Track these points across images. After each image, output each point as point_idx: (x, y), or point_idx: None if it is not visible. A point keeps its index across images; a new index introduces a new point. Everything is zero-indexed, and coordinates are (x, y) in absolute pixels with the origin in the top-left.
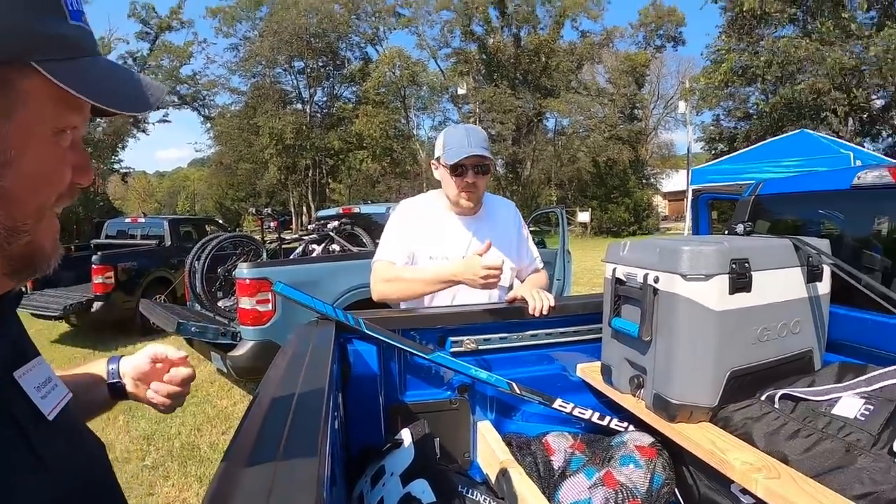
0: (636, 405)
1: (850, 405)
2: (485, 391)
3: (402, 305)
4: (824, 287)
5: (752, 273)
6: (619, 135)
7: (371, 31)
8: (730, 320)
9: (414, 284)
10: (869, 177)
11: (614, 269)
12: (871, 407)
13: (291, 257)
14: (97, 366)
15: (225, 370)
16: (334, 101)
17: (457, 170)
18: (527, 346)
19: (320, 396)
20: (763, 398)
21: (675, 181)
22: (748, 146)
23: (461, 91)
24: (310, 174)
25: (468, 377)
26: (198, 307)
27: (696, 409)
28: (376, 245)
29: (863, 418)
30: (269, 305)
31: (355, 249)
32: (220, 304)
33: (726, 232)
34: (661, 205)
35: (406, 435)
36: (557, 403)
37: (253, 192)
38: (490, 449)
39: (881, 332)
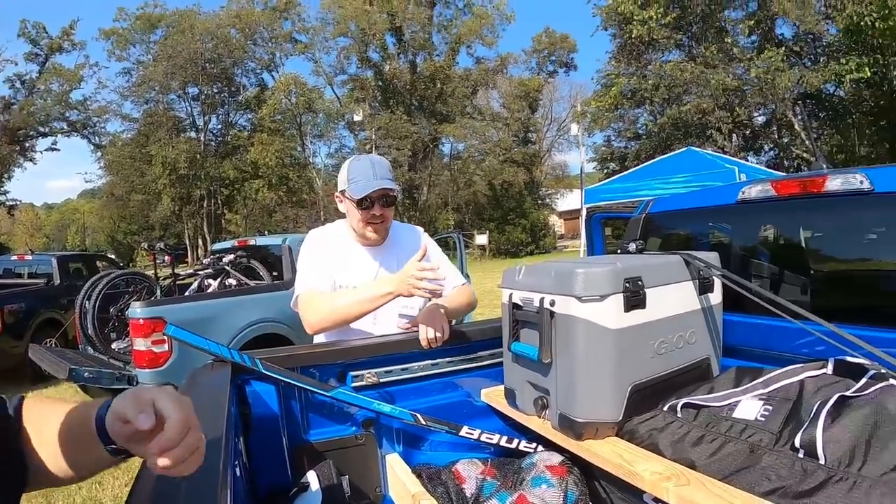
0: (542, 426)
1: (749, 407)
2: (390, 424)
3: (324, 336)
4: (716, 297)
5: (646, 290)
6: (514, 158)
7: (267, 56)
8: (627, 337)
9: (352, 307)
10: (753, 191)
11: (511, 294)
12: (770, 407)
13: (187, 294)
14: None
15: None
16: (229, 129)
17: (363, 203)
18: (429, 376)
19: (218, 444)
20: (665, 408)
21: (570, 200)
22: (638, 164)
23: (357, 118)
24: (205, 205)
25: (372, 412)
26: (91, 350)
27: (601, 425)
28: (273, 278)
29: (763, 419)
30: (166, 346)
31: (252, 283)
32: (114, 346)
33: (619, 251)
34: (558, 224)
35: (312, 478)
36: (464, 431)
37: (146, 225)
38: (401, 482)
39: (771, 335)
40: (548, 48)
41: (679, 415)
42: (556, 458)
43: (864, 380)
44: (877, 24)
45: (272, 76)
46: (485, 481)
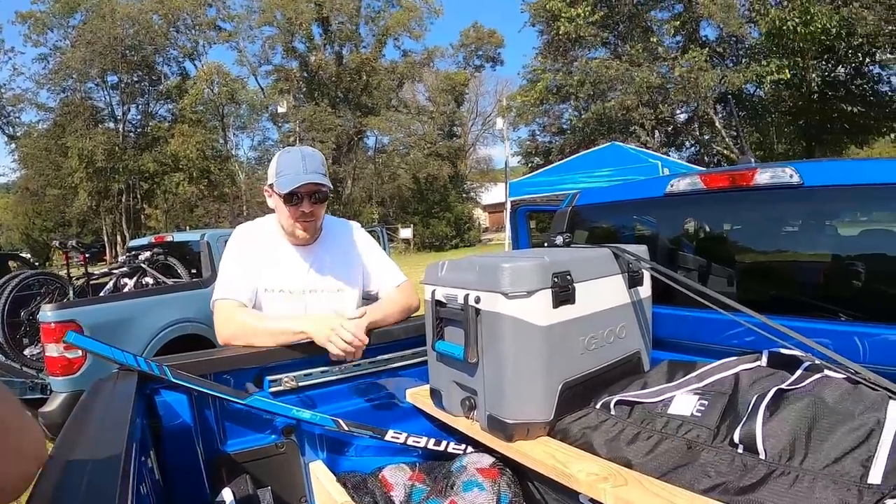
0: (471, 427)
1: (684, 403)
2: (312, 430)
3: None
4: (645, 290)
5: (575, 284)
6: (439, 151)
7: (190, 44)
8: (556, 333)
9: (259, 336)
10: (682, 184)
11: (433, 291)
12: (706, 402)
13: (101, 294)
14: None
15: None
16: (149, 120)
17: (292, 199)
18: (351, 378)
19: (116, 463)
20: (598, 406)
21: (495, 194)
22: (562, 159)
23: (281, 109)
24: (123, 199)
25: (291, 419)
26: (2, 358)
27: (532, 425)
28: (192, 276)
29: (699, 414)
30: (80, 351)
31: (170, 281)
32: (26, 352)
33: (546, 244)
34: (482, 217)
35: (227, 495)
36: (390, 435)
37: (63, 221)
38: (326, 492)
39: (701, 327)
40: (475, 43)
41: (613, 412)
42: (487, 460)
43: (799, 371)
44: (798, 29)
45: (195, 65)
46: (413, 487)
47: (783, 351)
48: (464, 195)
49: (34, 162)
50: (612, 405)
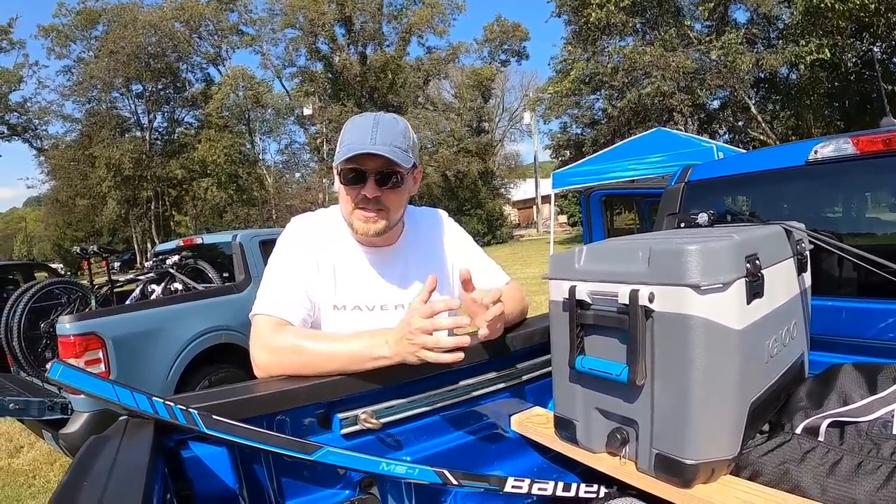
0: (619, 468)
1: None
2: (398, 479)
3: None
4: (808, 278)
5: (763, 271)
6: (468, 147)
7: (213, 50)
8: (750, 339)
9: (325, 363)
10: (827, 149)
11: (572, 288)
12: None
13: (128, 302)
14: None
15: (60, 450)
16: (175, 127)
17: (347, 175)
18: (442, 408)
19: None
20: (799, 431)
21: (524, 190)
22: (596, 151)
23: (307, 111)
24: (152, 207)
25: (378, 475)
26: (24, 375)
27: (717, 464)
28: (224, 280)
29: None
30: (102, 366)
31: (200, 287)
32: (48, 367)
33: (681, 224)
34: (512, 214)
35: None
36: (510, 485)
37: (93, 231)
38: None
39: (863, 320)
40: (499, 37)
41: (821, 438)
42: None
43: None
44: (836, 6)
45: (219, 70)
46: None
47: None
48: (494, 191)
49: (62, 173)
50: (822, 428)
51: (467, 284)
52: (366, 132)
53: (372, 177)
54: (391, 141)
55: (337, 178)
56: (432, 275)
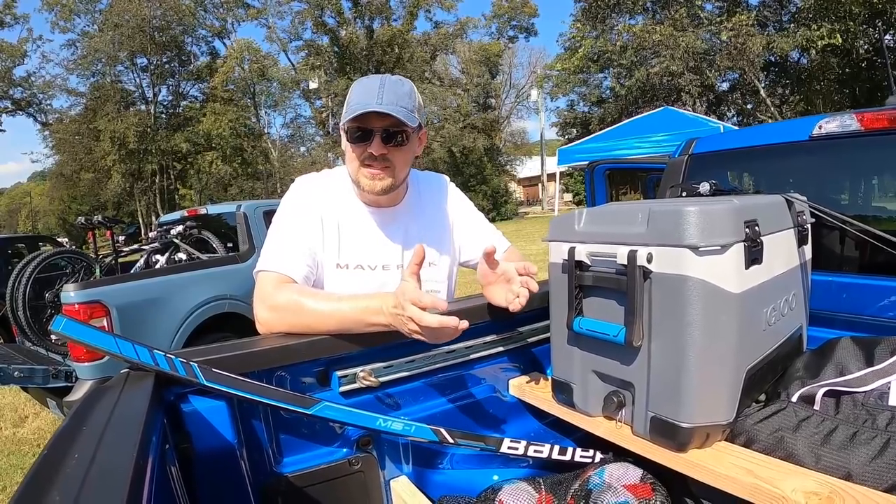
0: (615, 431)
1: None
2: (396, 439)
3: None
4: (809, 251)
5: (762, 238)
6: (474, 123)
7: (219, 23)
8: (748, 304)
9: (325, 321)
10: (832, 125)
11: (571, 249)
12: None
13: (132, 272)
14: None
15: (64, 418)
16: (180, 100)
17: (353, 133)
18: (441, 369)
19: None
20: (795, 398)
21: (529, 167)
22: (602, 129)
23: (313, 85)
24: (157, 180)
25: (374, 431)
26: (28, 344)
27: (712, 428)
28: (228, 250)
29: None
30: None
31: (205, 257)
32: (53, 337)
33: (683, 194)
34: (517, 191)
35: None
36: (506, 445)
37: (98, 205)
38: None
39: (864, 297)
40: (508, 13)
41: (817, 407)
42: (634, 473)
43: None
44: None
45: (224, 44)
46: None
47: None
48: (499, 168)
49: (67, 147)
50: (818, 397)
51: (490, 258)
52: (373, 92)
53: (378, 134)
54: (397, 101)
55: (343, 137)
56: (419, 244)
